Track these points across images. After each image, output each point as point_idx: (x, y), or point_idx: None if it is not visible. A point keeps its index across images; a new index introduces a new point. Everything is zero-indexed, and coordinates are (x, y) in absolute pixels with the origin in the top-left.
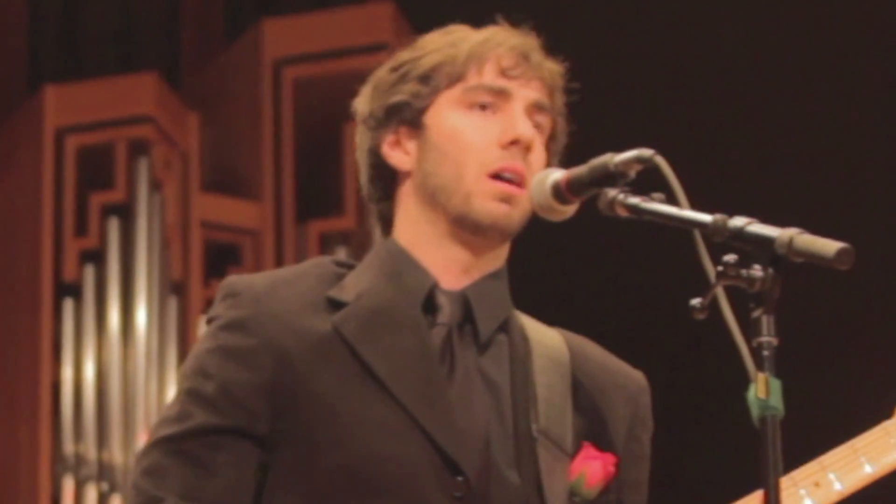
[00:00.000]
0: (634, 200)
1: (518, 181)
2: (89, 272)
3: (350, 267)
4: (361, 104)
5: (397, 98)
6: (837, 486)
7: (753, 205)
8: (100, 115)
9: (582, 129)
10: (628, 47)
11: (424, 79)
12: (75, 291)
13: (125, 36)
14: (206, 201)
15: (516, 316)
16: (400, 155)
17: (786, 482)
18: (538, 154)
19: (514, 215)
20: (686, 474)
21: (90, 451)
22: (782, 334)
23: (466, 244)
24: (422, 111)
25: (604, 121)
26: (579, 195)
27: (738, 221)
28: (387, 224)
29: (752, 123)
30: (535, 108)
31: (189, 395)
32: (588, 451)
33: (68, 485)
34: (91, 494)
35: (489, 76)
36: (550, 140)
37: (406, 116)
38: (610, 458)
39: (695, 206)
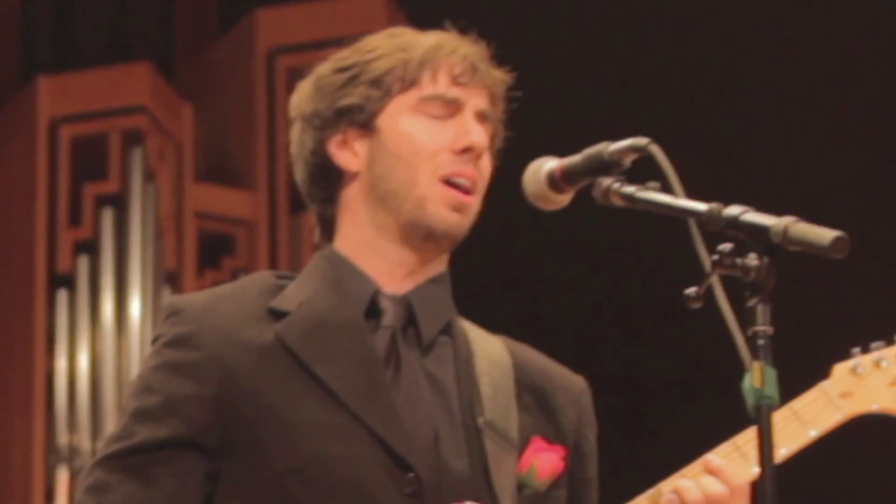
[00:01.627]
0: (629, 189)
1: (470, 188)
2: (83, 263)
3: (290, 278)
4: (303, 102)
5: (348, 101)
6: (782, 451)
7: (748, 194)
8: (93, 105)
9: (577, 119)
10: (624, 37)
11: (376, 83)
12: (69, 282)
13: (119, 26)
14: (199, 191)
15: (458, 321)
16: (348, 156)
17: (728, 448)
18: (486, 160)
19: (465, 223)
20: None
21: (84, 441)
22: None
23: (415, 249)
24: (374, 114)
25: (598, 110)
26: (574, 184)
27: (733, 210)
28: (327, 226)
29: (748, 112)
30: (481, 117)
31: (133, 413)
32: (538, 443)
33: (62, 475)
34: None
35: (443, 84)
36: (492, 144)
37: (357, 119)
38: (560, 451)
39: (690, 195)
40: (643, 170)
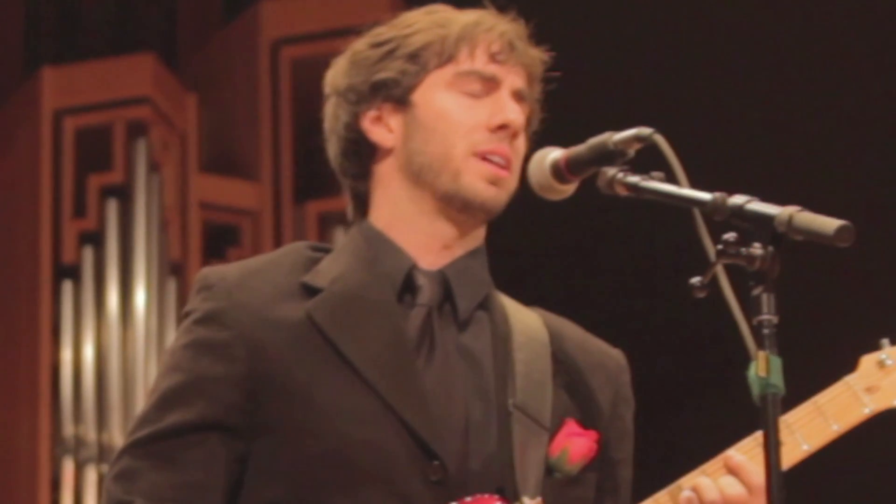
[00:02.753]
0: (634, 179)
1: (504, 165)
2: (88, 254)
3: (326, 251)
4: (338, 77)
5: (384, 75)
6: (804, 447)
7: (753, 183)
8: (98, 96)
9: (581, 109)
10: (628, 26)
11: (413, 57)
12: (74, 273)
13: (123, 17)
14: (204, 182)
15: (496, 295)
16: (382, 131)
17: (751, 443)
18: (522, 140)
19: (502, 197)
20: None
21: (90, 432)
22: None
23: (451, 221)
24: (410, 89)
25: (603, 99)
26: (579, 174)
27: (737, 199)
28: (361, 202)
29: (752, 102)
30: (518, 96)
31: (162, 393)
32: (571, 427)
33: (68, 467)
34: (91, 476)
35: (480, 61)
36: (527, 126)
37: (392, 93)
38: (593, 435)
39: (694, 184)
40: (647, 159)
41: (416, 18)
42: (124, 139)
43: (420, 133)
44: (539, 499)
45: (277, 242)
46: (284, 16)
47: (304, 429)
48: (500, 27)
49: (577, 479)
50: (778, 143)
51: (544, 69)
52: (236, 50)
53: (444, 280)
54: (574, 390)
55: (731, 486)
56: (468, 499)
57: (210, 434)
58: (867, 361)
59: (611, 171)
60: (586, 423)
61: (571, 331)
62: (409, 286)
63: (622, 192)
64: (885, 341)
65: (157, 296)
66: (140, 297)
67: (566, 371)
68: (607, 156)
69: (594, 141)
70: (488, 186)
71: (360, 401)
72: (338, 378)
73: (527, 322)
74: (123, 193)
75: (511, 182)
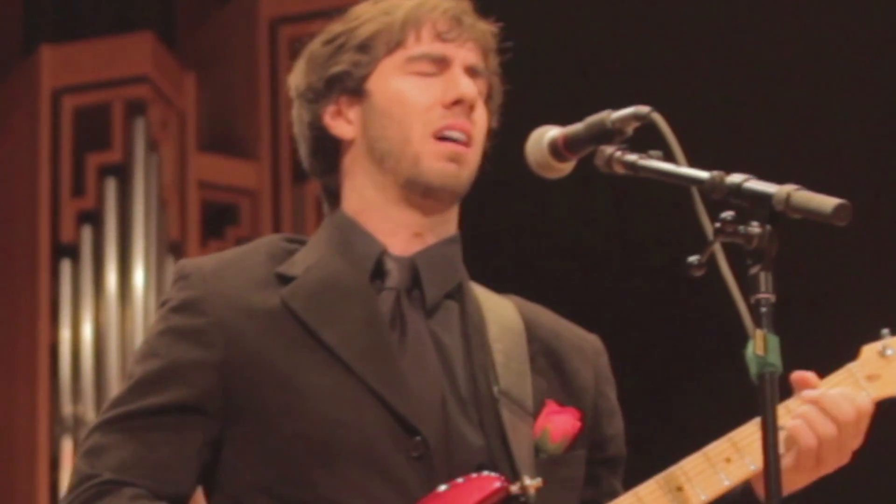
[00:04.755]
0: (632, 157)
1: (465, 140)
2: (87, 233)
3: (301, 243)
4: (297, 79)
5: (337, 69)
6: None
7: (751, 162)
8: (96, 75)
9: (579, 87)
10: (628, 3)
11: (363, 48)
12: (73, 252)
13: None
14: (203, 161)
15: (469, 285)
16: (342, 124)
17: (751, 428)
18: (481, 112)
19: (463, 174)
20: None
21: (88, 411)
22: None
23: (417, 207)
24: (363, 79)
25: (601, 78)
26: (576, 152)
27: (735, 178)
28: (333, 197)
29: (751, 80)
30: (471, 72)
31: (138, 379)
32: (551, 406)
33: (67, 445)
34: None
35: (427, 42)
36: (488, 100)
37: (347, 86)
38: (574, 413)
39: (692, 163)
40: (646, 138)
41: (363, 10)
42: (123, 118)
43: (378, 120)
44: (539, 479)
45: (276, 222)
46: None
47: (284, 411)
48: (443, 5)
49: (564, 459)
50: (777, 122)
51: (496, 41)
52: (235, 29)
53: (412, 266)
54: (553, 374)
55: (823, 425)
56: (460, 479)
57: (183, 417)
58: (868, 351)
59: (609, 150)
60: (569, 403)
61: (546, 317)
62: (378, 271)
63: (620, 170)
64: (886, 331)
65: (156, 275)
66: (139, 276)
67: (543, 356)
68: (605, 134)
69: (592, 119)
70: (447, 164)
71: (338, 381)
72: (315, 360)
73: (501, 312)
74: (122, 172)
75: (472, 158)
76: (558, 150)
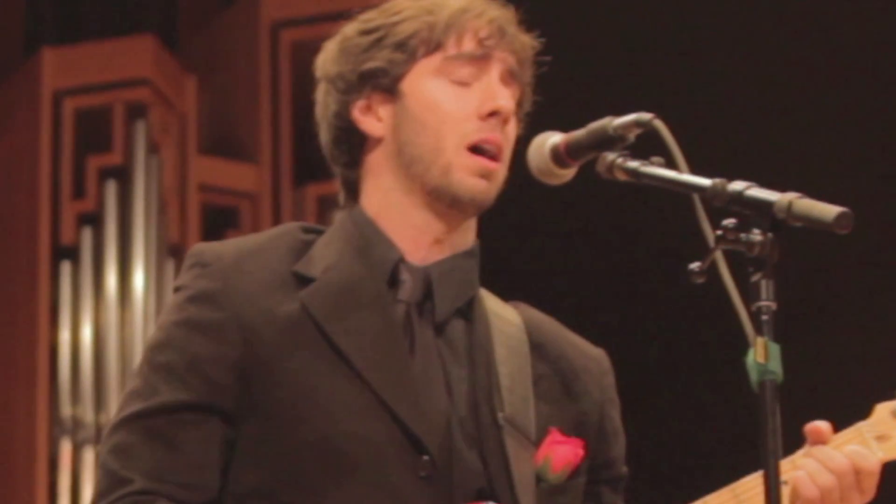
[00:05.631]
0: (633, 164)
1: (496, 154)
2: (87, 235)
3: (318, 233)
4: (328, 64)
5: (372, 64)
6: None
7: (752, 169)
8: (97, 77)
9: (580, 94)
10: (628, 11)
11: (401, 46)
12: (73, 254)
13: None
14: (203, 164)
15: (481, 299)
16: (372, 121)
17: (755, 481)
18: (512, 126)
19: (492, 190)
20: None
21: (87, 413)
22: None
23: (440, 215)
24: (398, 78)
25: (602, 85)
26: (578, 159)
27: (737, 185)
28: (351, 189)
29: (753, 88)
30: (508, 76)
31: (156, 368)
32: (554, 436)
33: (66, 447)
34: (88, 457)
35: (468, 46)
36: (518, 108)
37: (381, 83)
38: (578, 443)
39: (694, 170)
40: (647, 145)
41: (404, 5)
42: (124, 120)
43: (410, 124)
44: None
45: (276, 225)
46: None
47: (294, 416)
48: (489, 13)
49: (563, 488)
50: (779, 129)
51: (534, 54)
52: (236, 32)
53: (426, 278)
54: (557, 398)
55: (822, 476)
56: None
57: (205, 415)
58: (881, 410)
59: (610, 156)
60: (571, 429)
61: (552, 332)
62: (393, 280)
63: (622, 177)
64: None
65: (156, 277)
66: (139, 279)
67: (548, 379)
68: (607, 141)
69: (594, 126)
70: (479, 181)
71: (352, 392)
72: (330, 369)
73: (508, 331)
74: (123, 175)
75: (501, 173)
76: (560, 156)
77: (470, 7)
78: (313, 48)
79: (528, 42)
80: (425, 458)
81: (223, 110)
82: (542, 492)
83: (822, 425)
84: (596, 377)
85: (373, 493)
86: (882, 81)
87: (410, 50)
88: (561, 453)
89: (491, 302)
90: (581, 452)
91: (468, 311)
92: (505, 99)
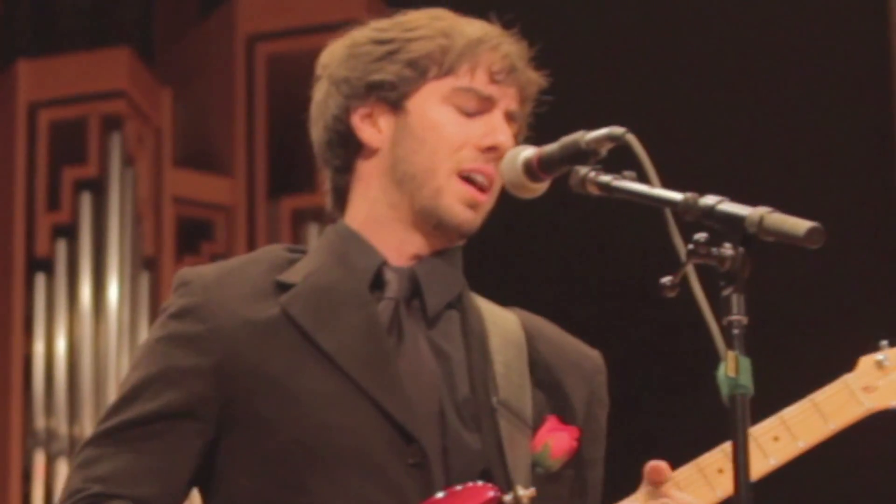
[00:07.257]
0: (605, 178)
1: (486, 186)
2: (61, 247)
3: (303, 252)
4: (334, 66)
5: (381, 76)
6: (800, 444)
7: (724, 184)
8: (73, 89)
9: (555, 106)
10: (602, 27)
11: (413, 63)
12: (47, 266)
13: (99, 10)
14: (178, 177)
15: (470, 295)
16: (371, 130)
17: (691, 470)
18: None
19: (477, 220)
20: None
21: (61, 425)
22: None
23: (424, 235)
24: (405, 95)
25: (576, 98)
26: (551, 173)
27: (708, 200)
28: (339, 195)
29: (724, 102)
30: (509, 117)
31: (132, 385)
32: (553, 422)
33: (39, 459)
34: (62, 469)
35: (480, 79)
36: (514, 142)
37: (388, 96)
38: (574, 432)
39: (665, 184)
40: (620, 159)
41: (421, 22)
42: (99, 133)
43: (409, 141)
44: (533, 489)
45: (251, 238)
46: (260, 11)
47: (280, 417)
48: (504, 47)
49: (556, 476)
50: (751, 144)
51: (538, 91)
52: (212, 45)
53: (413, 276)
54: (551, 388)
55: None
56: (458, 487)
57: (176, 422)
58: (865, 362)
59: (583, 171)
60: (565, 419)
61: (548, 331)
62: (377, 282)
63: (594, 191)
64: (885, 343)
65: (130, 290)
66: (113, 291)
67: (543, 370)
68: (579, 155)
69: (566, 140)
70: (465, 210)
71: (335, 387)
72: (313, 368)
73: (503, 324)
74: (97, 187)
75: (488, 203)
76: (532, 170)
77: (486, 38)
78: (289, 61)
79: (535, 80)
80: (414, 446)
81: (198, 123)
82: (538, 477)
83: (661, 464)
84: (587, 374)
85: (363, 484)
86: (853, 98)
87: (422, 69)
88: (560, 440)
89: (485, 302)
90: (575, 443)
91: (458, 303)
92: (506, 136)
